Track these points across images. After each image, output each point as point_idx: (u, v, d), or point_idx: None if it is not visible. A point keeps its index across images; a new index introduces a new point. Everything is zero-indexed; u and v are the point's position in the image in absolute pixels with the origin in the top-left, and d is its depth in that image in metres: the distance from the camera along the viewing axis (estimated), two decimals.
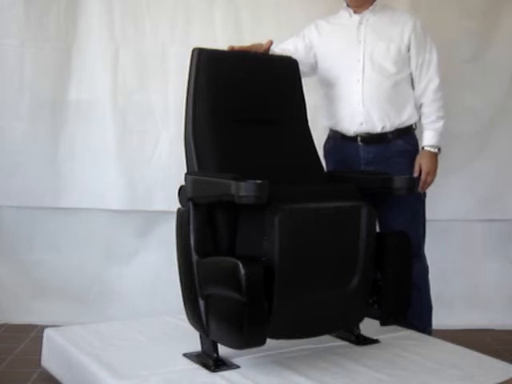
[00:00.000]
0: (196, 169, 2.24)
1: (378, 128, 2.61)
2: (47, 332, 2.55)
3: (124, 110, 3.27)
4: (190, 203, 2.13)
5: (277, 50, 2.64)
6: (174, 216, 2.21)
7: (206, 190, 2.12)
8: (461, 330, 3.12)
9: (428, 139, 2.63)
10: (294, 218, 2.02)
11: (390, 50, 2.60)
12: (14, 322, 3.21)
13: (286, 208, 1.99)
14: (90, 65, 3.25)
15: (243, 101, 2.38)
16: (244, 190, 1.91)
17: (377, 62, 2.60)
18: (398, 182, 2.30)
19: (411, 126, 2.67)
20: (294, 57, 2.58)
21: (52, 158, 3.29)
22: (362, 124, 2.62)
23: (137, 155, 3.30)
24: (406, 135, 2.66)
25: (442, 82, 2.64)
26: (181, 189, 2.19)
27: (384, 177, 2.37)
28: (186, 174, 2.20)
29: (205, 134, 2.28)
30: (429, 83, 2.62)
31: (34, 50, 3.21)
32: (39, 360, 2.57)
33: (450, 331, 2.78)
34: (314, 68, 2.75)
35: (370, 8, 2.67)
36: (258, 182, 1.91)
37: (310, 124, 2.58)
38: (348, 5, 2.71)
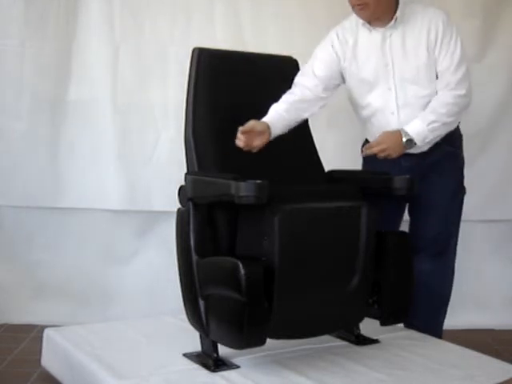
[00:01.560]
0: (196, 169, 2.24)
1: (419, 150, 2.48)
2: (47, 332, 2.55)
3: (124, 110, 3.27)
4: (190, 203, 2.13)
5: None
6: (174, 216, 2.21)
7: (205, 190, 2.12)
8: (461, 330, 3.11)
9: (408, 124, 2.40)
10: (294, 218, 2.02)
11: (419, 72, 2.42)
12: (14, 322, 3.21)
13: (286, 208, 2.00)
14: (89, 65, 3.25)
15: (243, 101, 2.37)
16: (244, 190, 1.91)
17: (409, 88, 2.44)
18: (398, 181, 2.30)
19: (454, 130, 2.53)
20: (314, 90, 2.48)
21: (52, 158, 3.28)
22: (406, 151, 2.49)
23: (137, 155, 3.30)
24: (452, 138, 2.53)
25: None
26: (181, 189, 2.19)
27: (384, 177, 2.37)
28: (186, 174, 2.20)
29: (205, 133, 2.28)
30: (447, 85, 2.42)
31: (34, 50, 3.20)
32: (39, 360, 2.57)
33: (450, 331, 2.77)
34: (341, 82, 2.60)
35: (391, 23, 2.43)
36: (258, 182, 1.91)
37: (310, 124, 2.58)
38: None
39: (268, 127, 2.28)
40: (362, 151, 2.53)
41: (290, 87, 2.49)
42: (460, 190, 2.64)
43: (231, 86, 2.39)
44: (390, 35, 2.45)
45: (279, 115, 2.35)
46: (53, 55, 3.23)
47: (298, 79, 2.49)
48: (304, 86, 2.47)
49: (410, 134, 2.39)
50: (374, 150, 2.39)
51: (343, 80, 2.56)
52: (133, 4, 3.25)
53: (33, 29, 3.20)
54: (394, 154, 2.39)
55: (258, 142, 2.24)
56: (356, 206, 2.16)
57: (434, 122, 2.40)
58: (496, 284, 3.46)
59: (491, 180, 3.38)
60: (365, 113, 2.56)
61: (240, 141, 2.19)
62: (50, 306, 3.26)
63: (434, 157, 2.50)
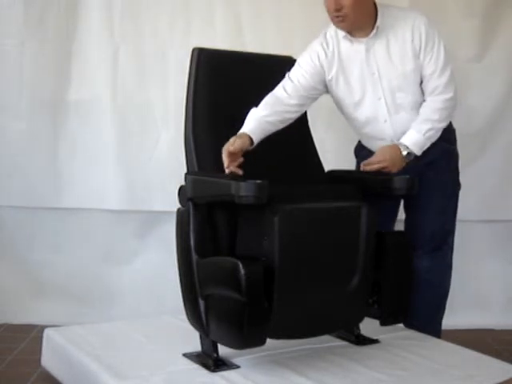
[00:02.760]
0: (196, 169, 2.24)
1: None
2: (47, 332, 2.55)
3: (124, 110, 3.27)
4: (190, 203, 2.13)
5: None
6: (174, 216, 2.21)
7: (205, 190, 2.12)
8: (461, 330, 3.12)
9: (404, 137, 2.42)
10: (294, 218, 2.02)
11: (406, 78, 2.42)
12: (14, 322, 3.21)
13: (286, 208, 1.99)
14: (89, 65, 3.25)
15: (243, 100, 2.37)
16: (244, 190, 1.91)
17: (397, 96, 2.44)
18: (398, 181, 2.30)
19: (448, 127, 2.51)
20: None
21: (52, 157, 3.28)
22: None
23: (137, 155, 3.29)
24: (447, 135, 2.52)
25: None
26: (181, 189, 2.19)
27: (383, 177, 2.37)
28: (186, 174, 2.20)
29: (205, 133, 2.28)
30: (434, 90, 2.43)
31: (33, 50, 3.20)
32: (39, 360, 2.57)
33: (450, 331, 2.77)
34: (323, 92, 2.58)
35: (373, 32, 2.41)
36: (258, 182, 1.91)
37: (309, 124, 2.58)
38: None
39: (250, 142, 2.26)
40: (358, 165, 2.54)
41: None
42: (456, 187, 2.64)
43: (231, 85, 2.38)
44: (374, 44, 2.43)
45: (260, 123, 2.31)
46: (53, 55, 3.23)
47: (283, 84, 2.45)
48: (287, 93, 2.42)
49: (409, 146, 2.41)
50: (375, 167, 2.39)
51: (326, 90, 2.54)
52: (133, 4, 3.25)
53: (33, 29, 3.19)
54: (395, 169, 2.40)
55: (238, 162, 2.21)
56: (356, 206, 2.16)
57: (429, 130, 2.41)
58: (496, 284, 3.46)
59: (491, 180, 3.38)
60: (356, 124, 2.56)
61: (228, 167, 2.16)
62: (50, 306, 3.26)
63: (431, 155, 2.49)
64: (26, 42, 3.20)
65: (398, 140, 2.44)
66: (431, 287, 2.58)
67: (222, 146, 2.23)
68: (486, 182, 3.36)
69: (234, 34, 3.24)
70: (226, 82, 2.37)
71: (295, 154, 2.45)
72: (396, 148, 2.42)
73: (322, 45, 2.49)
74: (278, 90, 2.44)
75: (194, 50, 2.36)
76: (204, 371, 2.12)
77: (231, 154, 2.17)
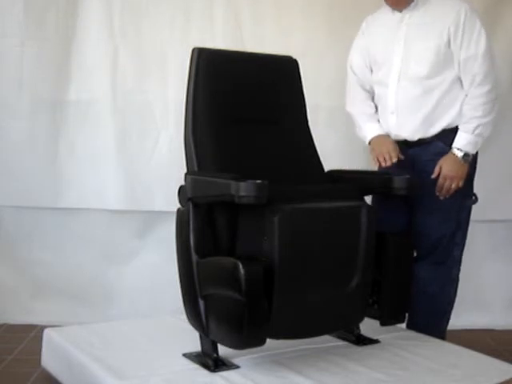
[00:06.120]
0: (196, 169, 2.24)
1: (412, 138, 2.52)
2: (47, 332, 2.55)
3: (124, 110, 3.27)
4: (190, 203, 2.13)
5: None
6: (174, 216, 2.21)
7: (205, 189, 2.12)
8: (461, 330, 3.11)
9: (456, 141, 2.44)
10: (294, 218, 2.02)
11: (427, 52, 2.44)
12: (14, 322, 3.21)
13: (286, 208, 2.00)
14: (89, 65, 3.24)
15: (243, 100, 2.37)
16: (244, 190, 1.91)
17: (412, 69, 2.47)
18: (398, 181, 2.30)
19: (457, 127, 2.48)
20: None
21: (52, 158, 3.28)
22: (396, 134, 2.54)
23: (136, 155, 3.29)
24: (448, 136, 2.48)
25: None
26: (181, 189, 2.19)
27: (384, 177, 2.37)
28: (186, 174, 2.20)
29: (204, 133, 2.27)
30: (474, 78, 2.42)
31: (33, 50, 3.20)
32: (39, 360, 2.57)
33: (450, 331, 2.77)
34: None
35: (412, 4, 2.50)
36: (258, 182, 1.91)
37: (309, 124, 2.58)
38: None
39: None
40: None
41: (289, 87, 2.50)
42: (466, 195, 2.56)
43: (231, 85, 2.38)
44: (410, 17, 2.52)
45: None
46: (53, 55, 3.23)
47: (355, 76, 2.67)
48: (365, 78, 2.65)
49: (462, 147, 2.44)
50: (447, 184, 2.44)
51: None
52: (132, 4, 3.25)
53: (33, 29, 3.19)
54: (461, 174, 2.45)
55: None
56: (356, 206, 2.16)
57: (476, 127, 2.44)
58: (496, 284, 3.45)
59: (491, 180, 3.37)
60: (376, 91, 2.64)
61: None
62: (50, 306, 3.27)
63: (429, 152, 2.50)
64: (26, 41, 3.20)
65: (398, 116, 2.50)
66: (432, 300, 2.55)
67: (222, 145, 2.24)
68: (486, 182, 3.35)
69: (233, 34, 3.24)
70: (226, 81, 2.37)
71: (295, 154, 2.45)
72: (450, 157, 2.45)
73: (366, 21, 2.68)
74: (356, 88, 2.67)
75: (193, 49, 2.36)
76: (204, 371, 2.12)
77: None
